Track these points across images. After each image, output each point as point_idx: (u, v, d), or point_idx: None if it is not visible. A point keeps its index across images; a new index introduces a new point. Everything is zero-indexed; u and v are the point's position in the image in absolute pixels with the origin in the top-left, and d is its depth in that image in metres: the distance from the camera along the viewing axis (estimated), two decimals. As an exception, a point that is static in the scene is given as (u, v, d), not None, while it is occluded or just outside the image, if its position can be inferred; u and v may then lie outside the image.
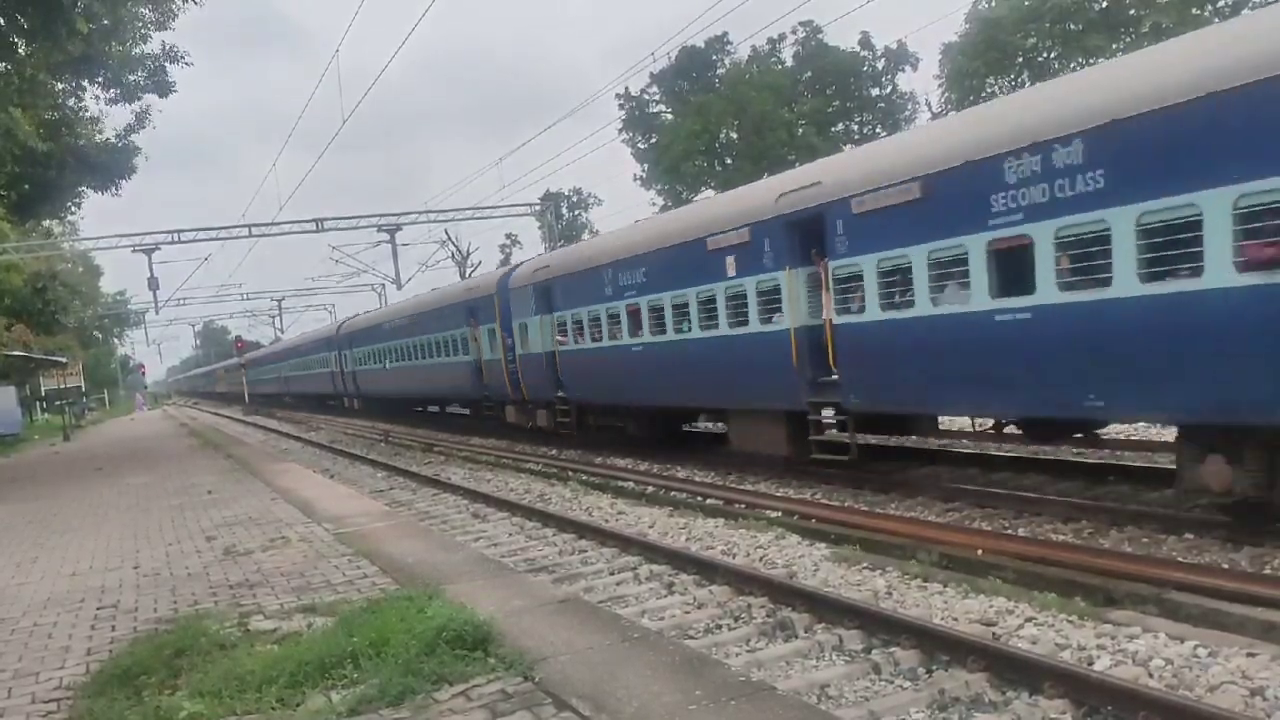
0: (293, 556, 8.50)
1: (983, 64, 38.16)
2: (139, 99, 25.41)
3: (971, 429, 13.61)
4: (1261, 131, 6.70)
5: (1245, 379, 7.05)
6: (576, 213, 67.32)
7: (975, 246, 9.08)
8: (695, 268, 13.81)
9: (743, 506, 11.37)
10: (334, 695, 4.72)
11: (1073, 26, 36.26)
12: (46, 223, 40.48)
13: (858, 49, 48.84)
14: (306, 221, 33.45)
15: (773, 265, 12.18)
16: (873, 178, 10.51)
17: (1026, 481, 11.16)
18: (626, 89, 51.65)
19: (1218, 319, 7.10)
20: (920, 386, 10.34)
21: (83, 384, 50.74)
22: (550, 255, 22.38)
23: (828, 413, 12.02)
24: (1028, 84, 35.20)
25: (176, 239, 32.00)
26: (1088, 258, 8.08)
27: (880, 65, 49.53)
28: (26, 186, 28.23)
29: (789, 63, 50.76)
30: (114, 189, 29.36)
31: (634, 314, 15.77)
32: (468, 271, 60.41)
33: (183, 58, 24.69)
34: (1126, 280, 7.71)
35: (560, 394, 19.13)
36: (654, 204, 51.36)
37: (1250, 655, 5.48)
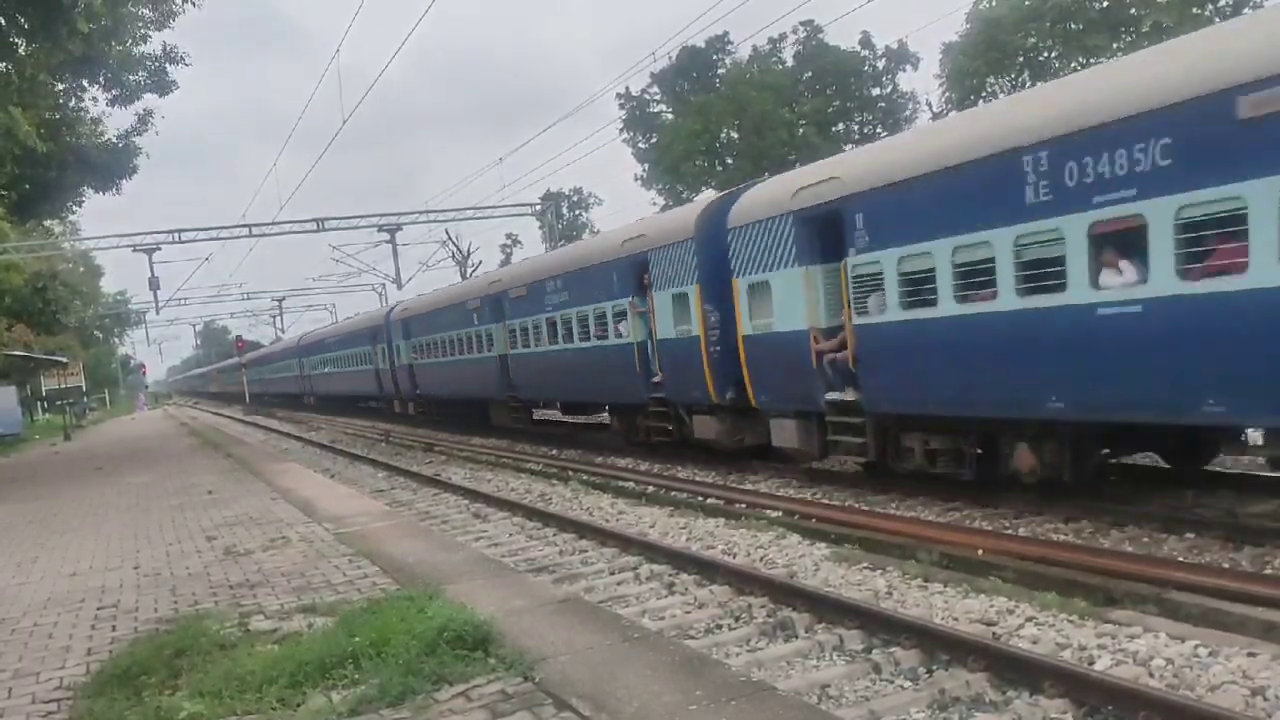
0: (293, 556, 8.50)
1: (983, 63, 38.08)
2: (139, 99, 25.47)
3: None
4: None
5: None
6: (577, 212, 67.31)
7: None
8: None
9: (743, 506, 11.38)
10: (334, 695, 4.73)
11: (1073, 26, 36.20)
12: (47, 223, 40.47)
13: (858, 49, 48.72)
14: (306, 221, 33.43)
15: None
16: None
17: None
18: (627, 89, 51.61)
19: None
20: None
21: (83, 384, 50.73)
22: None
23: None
24: (1028, 84, 35.16)
25: (177, 239, 31.98)
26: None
27: (881, 65, 49.41)
28: (27, 186, 28.19)
29: (789, 63, 50.65)
30: (114, 189, 29.39)
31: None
32: (468, 272, 60.10)
33: (183, 58, 24.78)
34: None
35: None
36: (654, 204, 51.36)
37: (1251, 655, 5.48)
